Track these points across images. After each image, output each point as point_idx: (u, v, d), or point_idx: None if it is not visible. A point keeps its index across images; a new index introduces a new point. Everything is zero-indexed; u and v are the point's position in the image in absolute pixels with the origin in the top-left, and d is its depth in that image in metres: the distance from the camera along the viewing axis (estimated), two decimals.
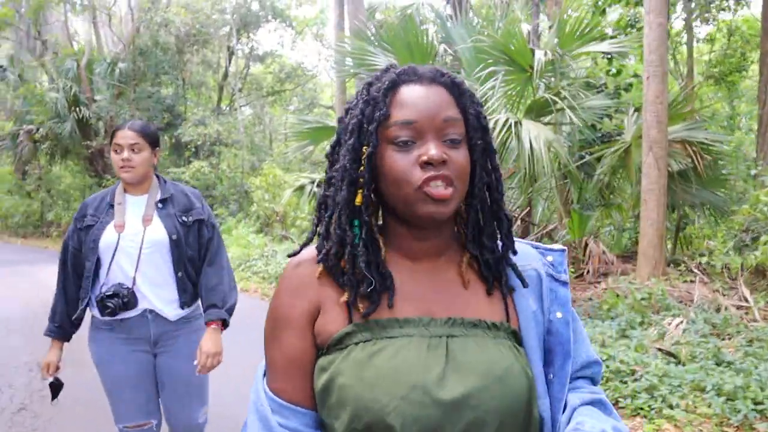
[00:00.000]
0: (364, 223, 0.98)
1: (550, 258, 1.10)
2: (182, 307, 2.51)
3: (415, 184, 0.93)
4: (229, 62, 21.55)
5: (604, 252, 8.60)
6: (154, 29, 18.04)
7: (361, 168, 0.97)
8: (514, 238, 1.07)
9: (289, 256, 1.07)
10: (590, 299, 7.05)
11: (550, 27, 9.16)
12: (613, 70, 9.82)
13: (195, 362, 2.48)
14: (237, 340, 7.14)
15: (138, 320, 2.45)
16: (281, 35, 22.27)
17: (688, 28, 10.08)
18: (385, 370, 0.91)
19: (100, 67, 18.91)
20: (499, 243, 1.05)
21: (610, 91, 9.06)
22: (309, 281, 1.01)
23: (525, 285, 1.04)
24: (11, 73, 20.84)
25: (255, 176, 15.79)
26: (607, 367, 4.55)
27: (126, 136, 2.44)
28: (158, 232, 2.46)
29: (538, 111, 6.42)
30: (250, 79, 22.46)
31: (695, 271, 7.34)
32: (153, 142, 2.52)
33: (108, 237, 2.41)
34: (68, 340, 2.59)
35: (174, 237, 2.47)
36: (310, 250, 1.05)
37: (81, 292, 2.45)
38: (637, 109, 8.19)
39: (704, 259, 6.91)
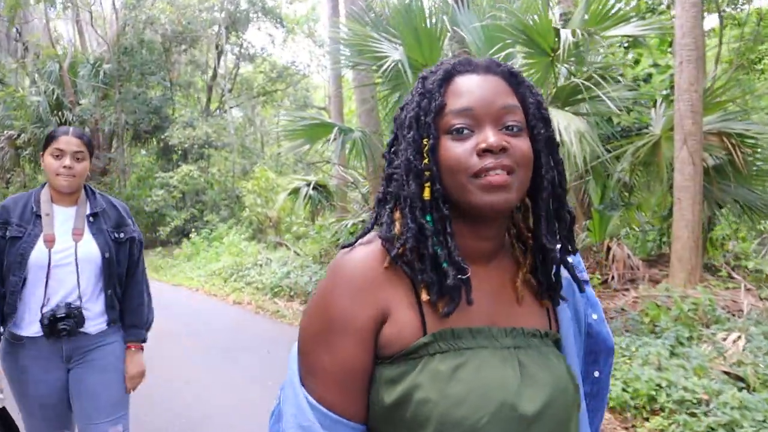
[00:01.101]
0: (442, 217, 0.93)
1: (570, 260, 1.05)
2: (108, 325, 2.42)
3: (471, 172, 0.90)
4: (218, 62, 20.77)
5: (629, 256, 7.90)
6: (139, 28, 17.25)
7: (425, 161, 0.93)
8: None
9: (343, 247, 0.99)
10: (623, 310, 6.33)
11: (562, 14, 8.47)
12: (630, 58, 9.17)
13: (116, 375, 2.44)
14: (228, 358, 6.43)
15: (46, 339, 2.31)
16: (271, 33, 21.18)
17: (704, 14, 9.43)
18: (472, 385, 0.88)
19: (84, 68, 18.15)
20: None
21: (628, 82, 8.38)
22: (374, 280, 0.93)
23: (582, 289, 1.04)
24: None
25: (246, 180, 15.02)
26: (669, 396, 3.82)
27: (71, 142, 2.33)
28: (90, 249, 2.35)
29: (565, 100, 5.71)
30: (240, 79, 21.68)
31: (737, 276, 6.63)
32: (92, 151, 2.44)
33: (38, 252, 2.26)
34: None
35: (107, 255, 2.37)
36: (370, 244, 0.97)
37: (6, 307, 2.28)
38: (665, 100, 7.52)
39: (750, 264, 6.19)
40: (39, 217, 2.30)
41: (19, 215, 2.29)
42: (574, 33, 5.19)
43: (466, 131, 0.91)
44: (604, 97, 5.21)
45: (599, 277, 7.30)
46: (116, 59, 17.45)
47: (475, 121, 0.91)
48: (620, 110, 7.52)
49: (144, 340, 2.55)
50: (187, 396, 4.89)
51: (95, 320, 2.38)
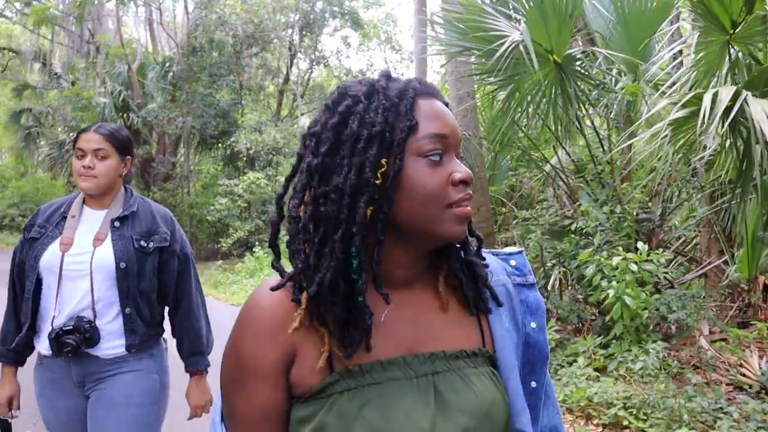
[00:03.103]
0: (378, 243, 0.87)
1: (513, 262, 1.06)
2: (128, 350, 2.14)
3: (447, 202, 0.88)
4: (291, 66, 19.90)
5: None
6: (209, 28, 16.53)
7: (377, 182, 0.86)
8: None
9: (273, 289, 0.91)
10: None
11: None
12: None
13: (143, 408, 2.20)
14: None
15: (56, 358, 2.10)
16: (346, 35, 20.25)
17: None
18: (376, 424, 0.84)
19: (153, 70, 17.62)
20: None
21: None
22: (282, 324, 0.88)
23: (499, 304, 0.99)
24: (65, 81, 19.83)
25: None
26: None
27: (90, 139, 2.16)
28: (105, 257, 2.11)
29: (763, 87, 4.24)
30: (312, 84, 20.76)
31: None
32: (122, 148, 2.21)
33: (50, 255, 2.10)
34: (22, 365, 2.22)
35: (122, 265, 2.11)
36: (276, 284, 0.91)
37: (21, 315, 2.14)
38: None
39: None
40: (66, 219, 2.17)
41: (46, 217, 2.19)
42: None
43: (440, 158, 0.88)
44: None
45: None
46: (185, 60, 16.79)
47: (446, 148, 0.89)
48: None
49: (207, 367, 2.34)
50: None
51: (110, 342, 2.13)
